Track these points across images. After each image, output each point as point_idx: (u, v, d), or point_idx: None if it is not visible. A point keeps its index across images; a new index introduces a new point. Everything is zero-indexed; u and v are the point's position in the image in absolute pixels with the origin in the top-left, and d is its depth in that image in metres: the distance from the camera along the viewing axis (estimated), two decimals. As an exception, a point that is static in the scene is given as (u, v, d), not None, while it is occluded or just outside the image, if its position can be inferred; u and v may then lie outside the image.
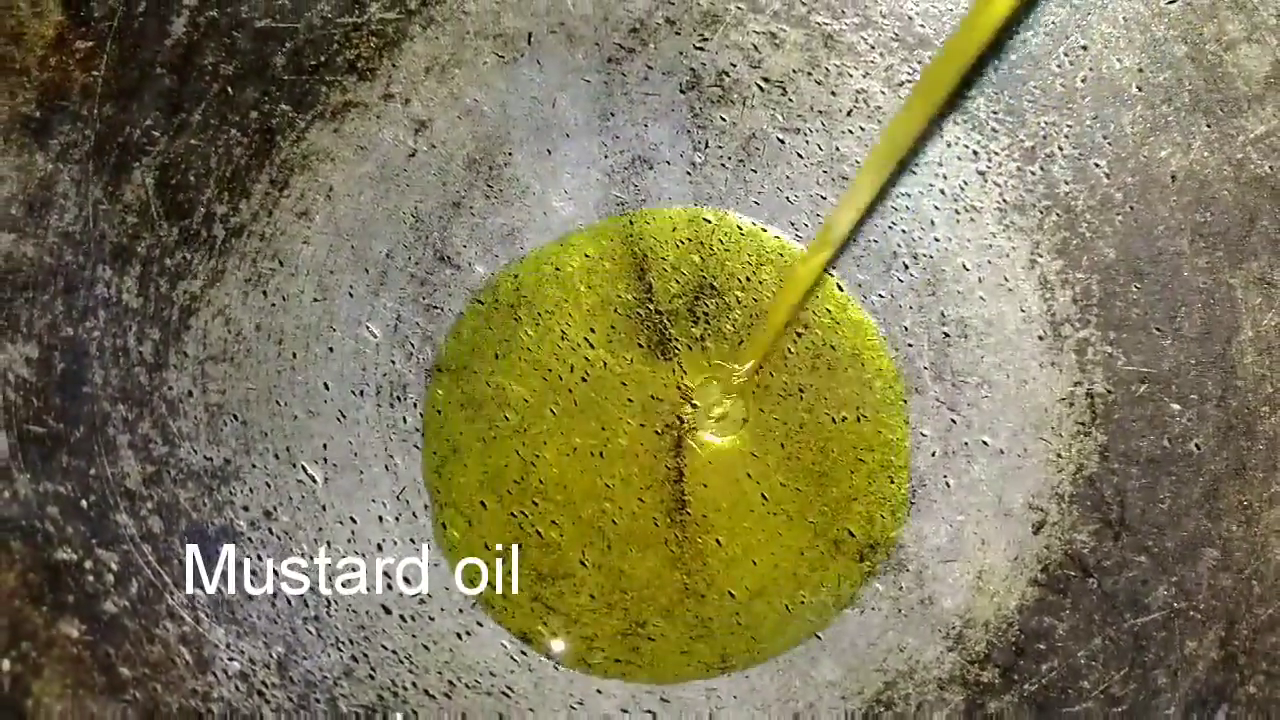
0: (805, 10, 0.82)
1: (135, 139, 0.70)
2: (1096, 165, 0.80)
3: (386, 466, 0.76)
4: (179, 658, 0.64)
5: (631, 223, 0.82)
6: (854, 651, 0.75)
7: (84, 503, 0.65)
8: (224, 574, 0.68)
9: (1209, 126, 0.77)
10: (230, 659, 0.66)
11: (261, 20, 0.74)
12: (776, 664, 0.75)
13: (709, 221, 0.83)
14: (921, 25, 0.82)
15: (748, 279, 0.82)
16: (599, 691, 0.73)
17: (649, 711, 0.73)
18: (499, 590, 0.74)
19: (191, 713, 0.63)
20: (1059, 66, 0.80)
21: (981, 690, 0.73)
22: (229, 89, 0.74)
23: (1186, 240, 0.77)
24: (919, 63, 0.82)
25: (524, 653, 0.74)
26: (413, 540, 0.75)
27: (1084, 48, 0.79)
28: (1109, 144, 0.79)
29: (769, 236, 0.83)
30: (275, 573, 0.69)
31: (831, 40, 0.82)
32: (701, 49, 0.82)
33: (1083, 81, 0.80)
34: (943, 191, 0.83)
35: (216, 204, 0.73)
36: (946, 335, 0.81)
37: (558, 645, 0.74)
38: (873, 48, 0.82)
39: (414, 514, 0.75)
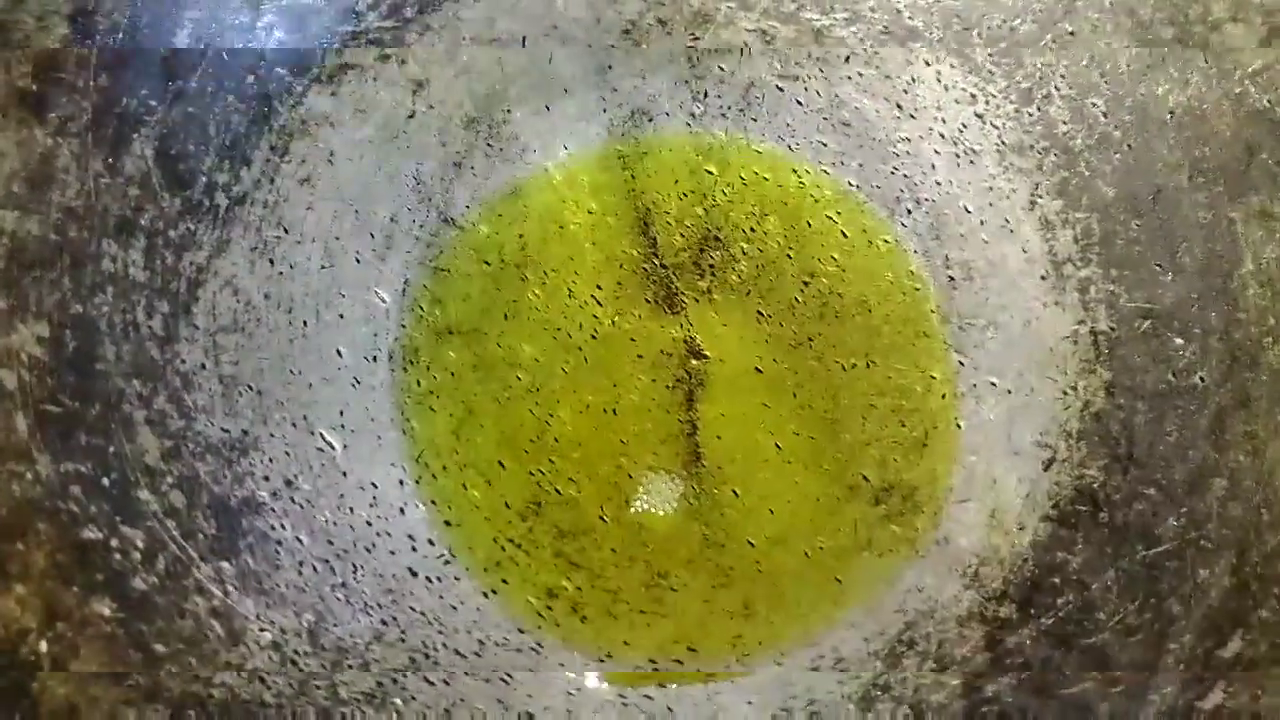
0: (794, 7, 0.81)
1: (133, 109, 0.69)
2: (1094, 104, 0.80)
3: (404, 430, 0.76)
4: (211, 631, 0.64)
5: (634, 177, 0.82)
6: (873, 593, 0.77)
7: (105, 481, 0.64)
8: (249, 545, 0.68)
9: (1205, 62, 0.77)
10: (262, 630, 0.66)
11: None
12: (799, 608, 0.76)
13: (711, 173, 0.82)
14: (910, 18, 0.82)
15: (752, 230, 0.82)
16: (626, 643, 0.74)
17: (676, 660, 0.74)
18: (521, 548, 0.75)
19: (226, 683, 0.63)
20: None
21: (1000, 626, 0.74)
22: (224, 55, 0.72)
23: (1186, 176, 0.78)
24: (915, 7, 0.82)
25: (550, 608, 0.74)
26: (434, 502, 0.75)
27: (1071, 34, 0.79)
28: (1105, 82, 0.80)
29: (771, 185, 0.83)
30: (300, 541, 0.69)
31: (821, 35, 0.82)
32: (693, 48, 0.82)
33: (1079, 21, 0.80)
34: (942, 135, 0.83)
35: (217, 173, 0.72)
36: (951, 279, 0.82)
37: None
38: (862, 40, 0.82)
39: (434, 475, 0.75)
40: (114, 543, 0.63)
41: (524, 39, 0.79)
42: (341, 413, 0.74)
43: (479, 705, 0.71)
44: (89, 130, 0.67)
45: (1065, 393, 0.79)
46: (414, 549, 0.73)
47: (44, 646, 0.58)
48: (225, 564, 0.67)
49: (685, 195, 0.82)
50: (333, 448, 0.73)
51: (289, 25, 0.74)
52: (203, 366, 0.70)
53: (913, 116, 0.83)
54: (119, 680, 0.61)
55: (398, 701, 0.69)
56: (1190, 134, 0.78)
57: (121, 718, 0.61)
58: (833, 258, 0.82)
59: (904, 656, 0.74)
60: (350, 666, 0.67)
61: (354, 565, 0.71)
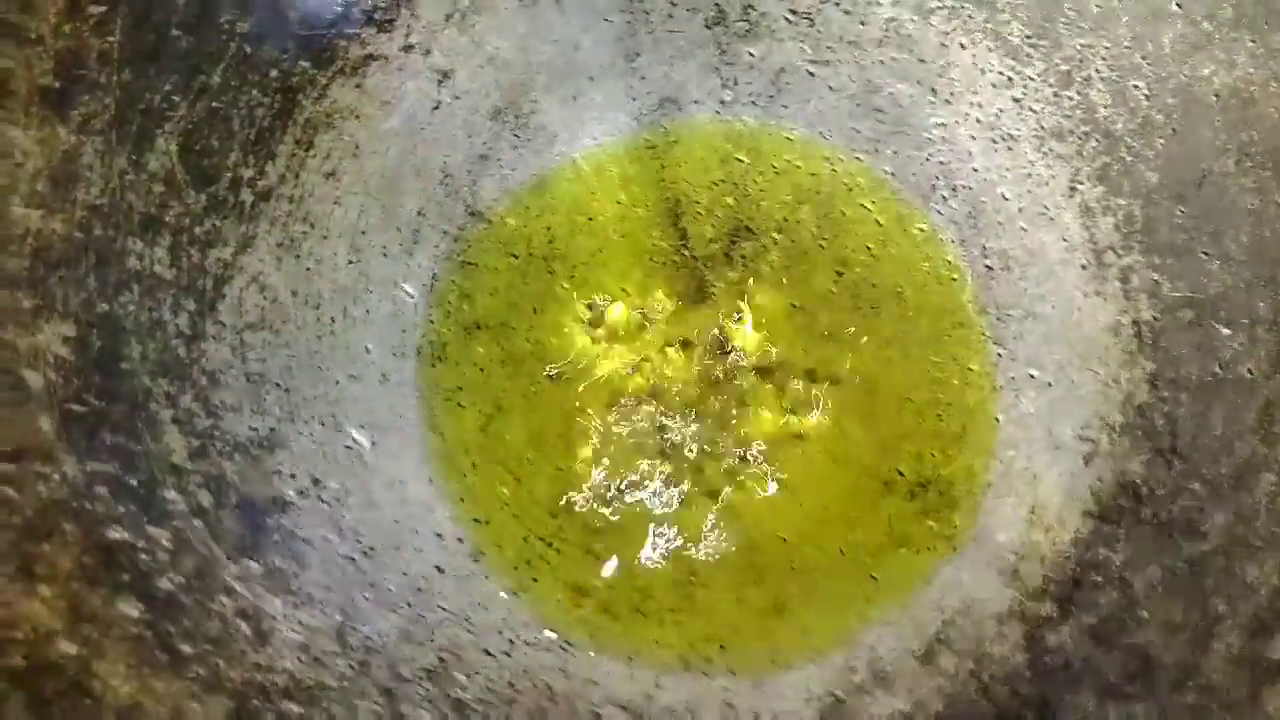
0: None
1: (156, 105, 0.68)
2: (1136, 87, 0.78)
3: (432, 427, 0.75)
4: (238, 631, 0.64)
5: (663, 167, 0.80)
6: (909, 591, 0.75)
7: (132, 480, 0.64)
8: (276, 544, 0.67)
9: (1253, 41, 0.75)
10: (290, 630, 0.65)
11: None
12: (832, 605, 0.75)
13: (742, 162, 0.81)
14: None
15: (785, 219, 0.80)
16: (656, 642, 0.73)
17: (707, 658, 0.73)
18: (551, 546, 0.74)
19: (255, 685, 0.63)
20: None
21: (1040, 624, 0.73)
22: (246, 47, 0.72)
23: (1232, 160, 0.75)
24: (951, -12, 0.80)
25: (579, 606, 0.73)
26: (463, 499, 0.74)
27: (1112, 12, 0.77)
28: (1148, 64, 0.77)
29: (804, 174, 0.81)
30: (328, 540, 0.69)
31: (853, 18, 0.80)
32: (722, 33, 0.80)
33: (1119, 1, 0.78)
34: (978, 120, 0.81)
35: (242, 168, 0.72)
36: (989, 268, 0.80)
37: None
38: (894, 22, 0.80)
39: (462, 473, 0.74)
40: (141, 543, 0.63)
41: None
42: (369, 410, 0.73)
43: (542, 676, 0.71)
44: (112, 127, 0.66)
45: (1107, 385, 0.77)
46: (443, 547, 0.73)
47: (70, 648, 0.58)
48: (252, 563, 0.66)
49: (716, 185, 0.81)
50: (361, 445, 0.73)
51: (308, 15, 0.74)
52: (229, 364, 0.70)
53: (948, 101, 0.81)
54: (179, 674, 0.61)
55: (461, 676, 0.69)
56: (1236, 117, 0.75)
57: (186, 711, 0.61)
58: (867, 247, 0.80)
59: (940, 655, 0.73)
60: (379, 667, 0.67)
61: (382, 564, 0.70)
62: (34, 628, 0.58)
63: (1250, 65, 0.75)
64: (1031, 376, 0.78)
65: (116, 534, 0.62)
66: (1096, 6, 0.78)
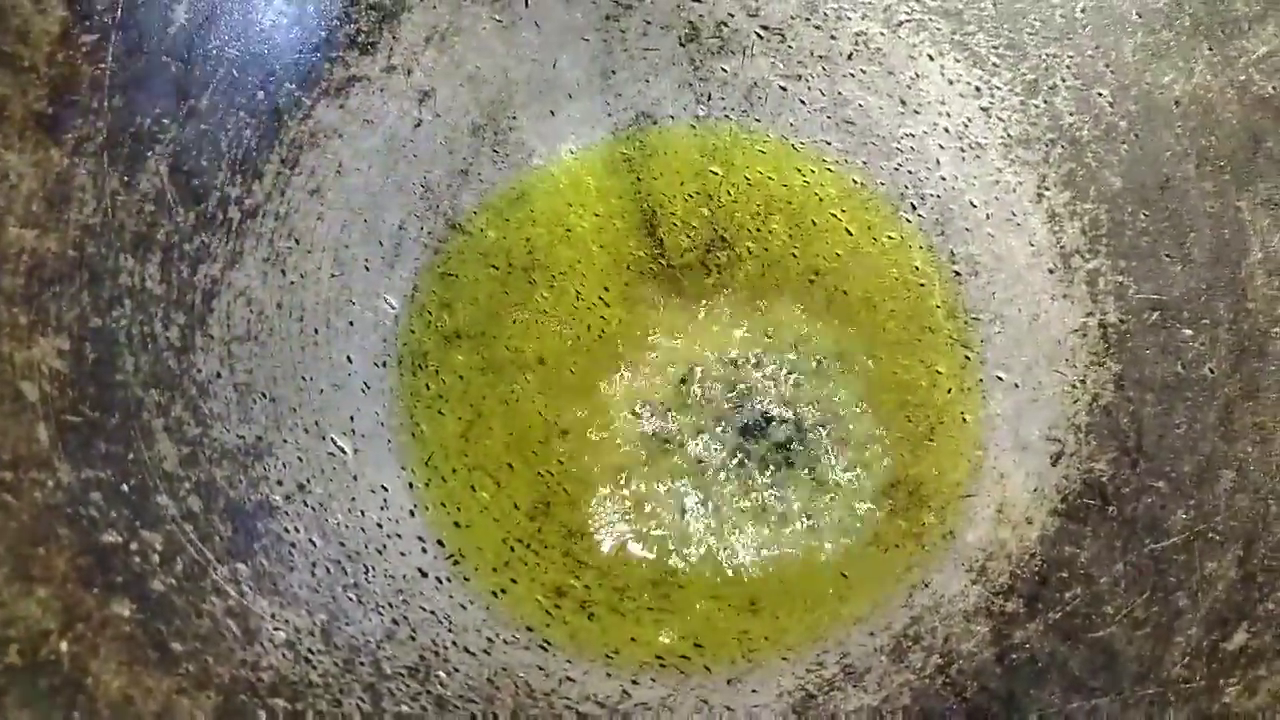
0: (801, 10, 0.82)
1: (147, 128, 0.71)
2: (1100, 95, 0.80)
3: (413, 434, 0.78)
4: (227, 630, 0.67)
5: (639, 179, 0.83)
6: (880, 588, 0.77)
7: (125, 487, 0.67)
8: (264, 548, 0.70)
9: (1210, 49, 0.77)
10: (276, 629, 0.68)
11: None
12: (805, 603, 0.77)
13: (716, 174, 0.83)
14: (910, 13, 0.82)
15: (758, 229, 0.83)
16: (633, 640, 0.76)
17: (684, 656, 0.75)
18: (530, 548, 0.76)
19: (242, 681, 0.65)
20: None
21: (1007, 620, 0.74)
22: (234, 72, 0.75)
23: (1193, 165, 0.77)
24: (916, 1, 0.82)
25: (558, 606, 0.76)
26: (443, 504, 0.76)
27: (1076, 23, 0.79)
28: (1111, 73, 0.79)
29: (776, 185, 0.83)
30: (313, 543, 0.72)
31: (823, 33, 0.82)
32: (699, 1, 0.82)
33: (1082, 11, 0.80)
34: (946, 130, 0.83)
35: (230, 186, 0.75)
36: (957, 274, 0.82)
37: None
38: (864, 36, 0.82)
39: (443, 478, 0.77)
40: (134, 546, 0.65)
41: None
42: (352, 418, 0.76)
43: (520, 674, 0.73)
44: (104, 150, 0.69)
45: (1074, 386, 0.79)
46: (424, 550, 0.75)
47: (64, 646, 0.61)
48: (241, 565, 0.69)
49: (691, 196, 0.83)
50: (344, 452, 0.75)
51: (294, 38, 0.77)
52: (218, 375, 0.73)
53: (917, 112, 0.84)
54: (169, 669, 0.64)
55: (441, 674, 0.71)
56: (1196, 123, 0.77)
57: (175, 707, 0.63)
58: (837, 254, 0.83)
59: (910, 651, 0.75)
60: (362, 664, 0.69)
61: (365, 566, 0.73)
62: (30, 627, 0.61)
63: (1208, 73, 0.77)
64: (999, 379, 0.80)
65: (110, 538, 0.65)
66: (1061, 16, 0.80)
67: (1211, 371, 0.75)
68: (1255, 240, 0.75)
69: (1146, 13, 0.78)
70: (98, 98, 0.69)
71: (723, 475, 0.78)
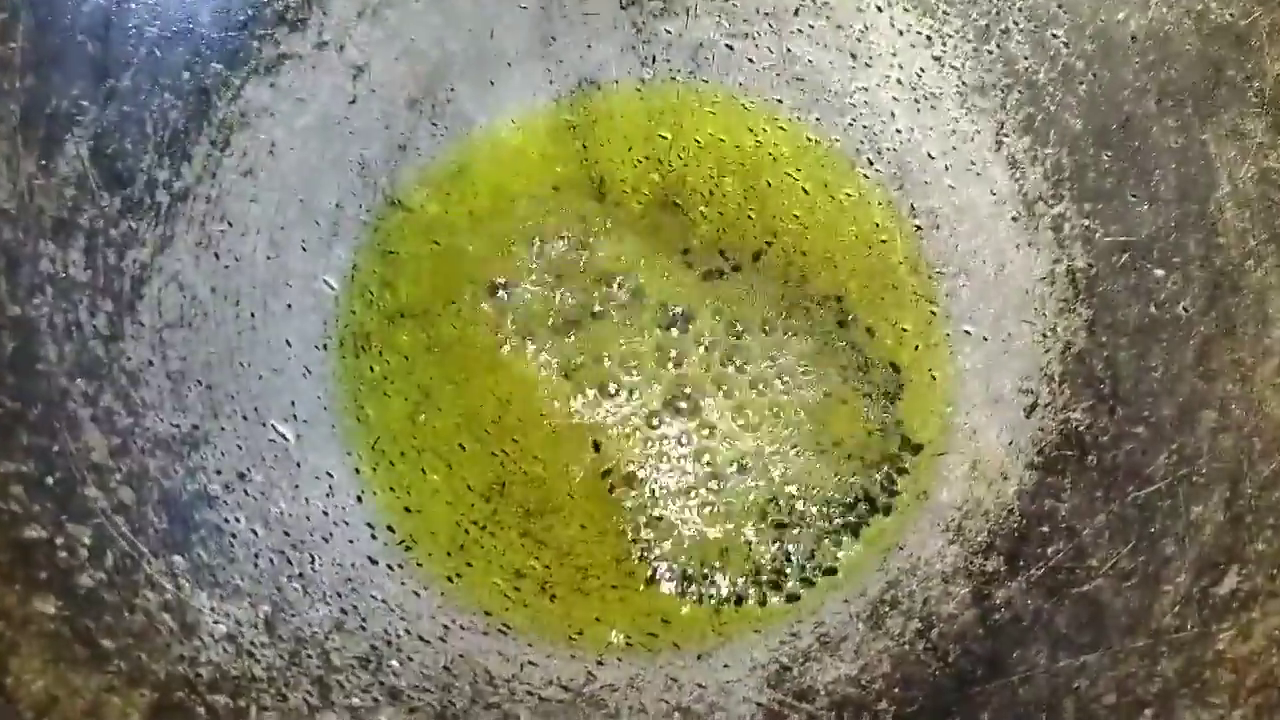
0: None
1: (64, 109, 0.68)
2: (1054, 35, 0.77)
3: (358, 418, 0.74)
4: (163, 625, 0.63)
5: (585, 146, 0.80)
6: (853, 553, 0.74)
7: (49, 479, 0.63)
8: (202, 539, 0.67)
9: (1165, -20, 0.74)
10: (216, 622, 0.65)
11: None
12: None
13: (665, 138, 0.81)
14: None
15: (710, 192, 0.80)
16: (598, 619, 0.72)
17: (651, 634, 0.72)
18: (486, 530, 0.73)
19: (179, 678, 0.62)
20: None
21: (987, 580, 0.71)
22: (156, 51, 0.72)
23: (1154, 101, 0.74)
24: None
25: (517, 589, 0.72)
26: (392, 488, 0.73)
27: None
28: (1064, 12, 0.77)
29: (728, 146, 0.81)
30: (254, 533, 0.68)
31: None
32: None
33: (1032, -49, 0.77)
34: (899, 81, 0.81)
35: (157, 170, 0.72)
36: (918, 227, 0.79)
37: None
38: None
39: (390, 462, 0.74)
40: (59, 540, 0.62)
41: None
42: (293, 403, 0.73)
43: (479, 660, 0.69)
44: (17, 132, 0.67)
45: (1044, 335, 0.76)
46: (374, 537, 0.72)
47: (-20, 645, 0.58)
48: (177, 558, 0.66)
49: (640, 161, 0.81)
50: (285, 439, 0.72)
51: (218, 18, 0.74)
52: (150, 363, 0.69)
53: (868, 65, 0.81)
54: (99, 666, 0.60)
55: (394, 664, 0.68)
56: (1154, 57, 0.74)
57: (106, 705, 0.60)
58: (794, 215, 0.80)
59: (888, 617, 0.71)
60: (309, 657, 0.66)
61: (311, 555, 0.70)
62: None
63: (1163, 5, 0.74)
64: (967, 333, 0.77)
65: (33, 532, 0.62)
66: (1008, -44, 0.78)
67: (1186, 310, 0.72)
68: (1222, 173, 0.72)
69: (1097, -52, 0.76)
70: (8, 78, 0.67)
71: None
